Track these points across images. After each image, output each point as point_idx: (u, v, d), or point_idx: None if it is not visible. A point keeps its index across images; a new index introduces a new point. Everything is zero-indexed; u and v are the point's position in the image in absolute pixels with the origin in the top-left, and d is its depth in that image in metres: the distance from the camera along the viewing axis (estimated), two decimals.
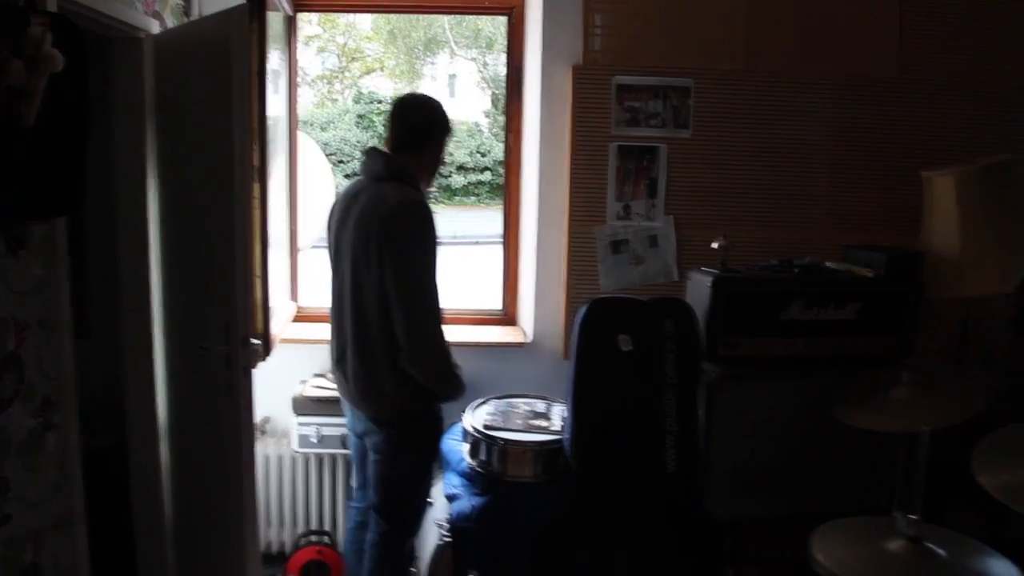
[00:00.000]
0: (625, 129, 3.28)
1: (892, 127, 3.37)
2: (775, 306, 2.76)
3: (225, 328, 2.56)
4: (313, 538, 3.43)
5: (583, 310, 2.69)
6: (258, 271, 2.73)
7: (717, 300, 2.74)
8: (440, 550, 2.74)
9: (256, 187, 2.73)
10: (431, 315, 2.46)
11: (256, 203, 2.74)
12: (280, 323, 3.22)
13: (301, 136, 3.69)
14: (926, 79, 3.37)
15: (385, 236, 2.41)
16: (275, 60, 3.19)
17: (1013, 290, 2.62)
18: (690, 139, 3.30)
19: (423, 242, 2.43)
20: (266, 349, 2.84)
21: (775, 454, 2.79)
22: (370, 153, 2.63)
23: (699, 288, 2.81)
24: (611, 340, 2.65)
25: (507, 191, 3.66)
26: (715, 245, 2.81)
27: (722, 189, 3.34)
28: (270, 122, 2.92)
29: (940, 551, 1.98)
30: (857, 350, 2.81)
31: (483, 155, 16.78)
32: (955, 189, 2.90)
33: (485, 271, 3.68)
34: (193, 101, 2.65)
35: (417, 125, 2.61)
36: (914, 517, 2.02)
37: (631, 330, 2.66)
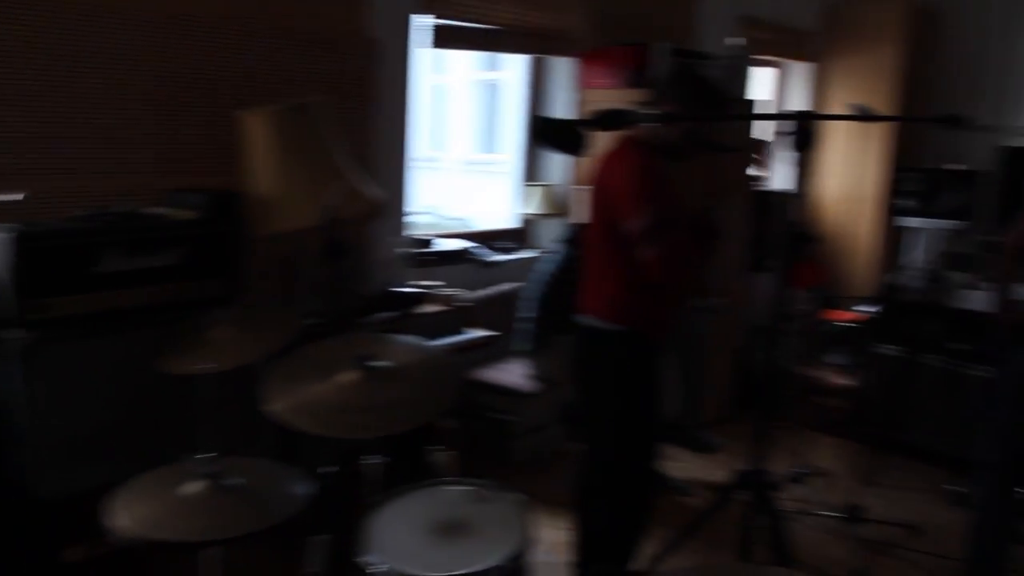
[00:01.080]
0: None
1: (212, 67, 3.35)
2: (89, 259, 2.58)
3: None
4: None
5: None
6: None
7: (19, 259, 2.46)
8: None
9: None
10: None
11: None
12: None
13: None
14: (236, 18, 3.41)
15: None
16: None
17: (320, 223, 2.78)
18: None
19: None
20: None
21: (112, 416, 2.65)
22: None
23: None
24: None
25: None
26: (9, 198, 2.51)
27: (32, 136, 2.97)
28: None
29: (239, 481, 2.04)
30: (185, 295, 2.78)
31: None
32: (266, 128, 2.99)
33: None
34: None
35: None
36: (210, 456, 2.05)
37: None
